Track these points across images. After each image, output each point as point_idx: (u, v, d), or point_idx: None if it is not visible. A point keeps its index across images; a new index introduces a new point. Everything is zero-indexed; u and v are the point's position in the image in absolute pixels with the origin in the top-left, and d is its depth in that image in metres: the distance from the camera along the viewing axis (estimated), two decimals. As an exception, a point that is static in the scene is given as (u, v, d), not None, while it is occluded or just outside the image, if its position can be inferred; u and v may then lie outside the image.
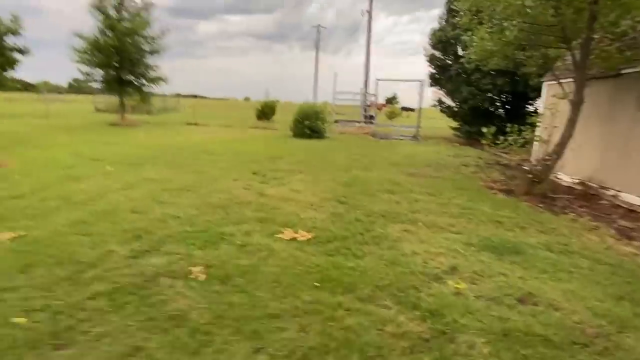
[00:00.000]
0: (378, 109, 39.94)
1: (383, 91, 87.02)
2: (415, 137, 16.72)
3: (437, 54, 16.03)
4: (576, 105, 6.03)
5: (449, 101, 16.56)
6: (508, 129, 7.06)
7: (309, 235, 4.04)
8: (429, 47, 16.41)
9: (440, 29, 15.33)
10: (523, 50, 6.88)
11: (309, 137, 14.16)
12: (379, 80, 18.00)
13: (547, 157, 6.11)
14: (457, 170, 8.90)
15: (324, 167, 8.34)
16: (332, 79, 18.30)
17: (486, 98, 13.67)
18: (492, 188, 7.00)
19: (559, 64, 6.95)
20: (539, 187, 6.28)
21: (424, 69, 28.92)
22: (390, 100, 47.38)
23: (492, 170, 9.15)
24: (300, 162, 8.74)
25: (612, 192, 6.67)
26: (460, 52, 14.97)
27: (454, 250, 3.87)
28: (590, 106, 6.57)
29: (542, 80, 9.51)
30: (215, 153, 9.50)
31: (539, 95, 12.04)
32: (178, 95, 36.25)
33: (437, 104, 17.38)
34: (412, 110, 36.54)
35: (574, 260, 3.79)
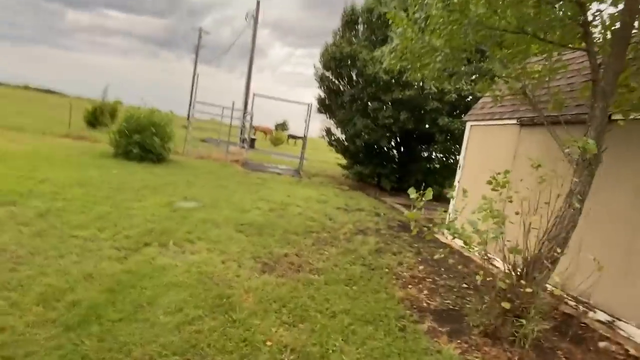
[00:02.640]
0: (264, 132, 36.27)
1: (273, 117, 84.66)
2: (297, 172, 13.31)
3: (329, 74, 13.06)
4: (591, 166, 3.04)
5: (339, 133, 13.61)
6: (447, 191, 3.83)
7: None
8: (319, 67, 13.41)
9: (334, 44, 12.44)
10: (482, 55, 3.78)
11: (139, 159, 9.29)
12: (256, 95, 14.19)
13: (546, 261, 2.90)
14: (352, 244, 5.38)
15: (69, 254, 3.83)
16: (217, 93, 13.70)
17: (384, 135, 10.87)
18: (420, 310, 3.54)
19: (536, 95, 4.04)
20: (516, 326, 3.01)
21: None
22: (278, 127, 44.24)
23: (401, 242, 5.95)
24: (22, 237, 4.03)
25: (601, 315, 3.90)
26: (354, 77, 12.30)
27: None
28: (555, 162, 3.70)
29: (464, 119, 6.92)
30: None
31: (447, 139, 9.85)
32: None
33: (324, 135, 14.31)
34: (299, 138, 33.85)
35: None
